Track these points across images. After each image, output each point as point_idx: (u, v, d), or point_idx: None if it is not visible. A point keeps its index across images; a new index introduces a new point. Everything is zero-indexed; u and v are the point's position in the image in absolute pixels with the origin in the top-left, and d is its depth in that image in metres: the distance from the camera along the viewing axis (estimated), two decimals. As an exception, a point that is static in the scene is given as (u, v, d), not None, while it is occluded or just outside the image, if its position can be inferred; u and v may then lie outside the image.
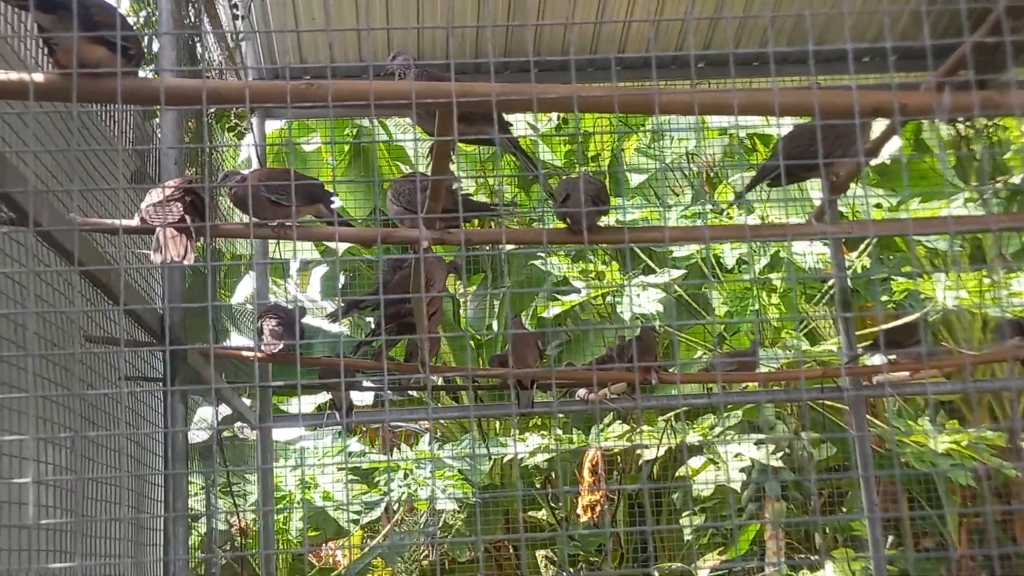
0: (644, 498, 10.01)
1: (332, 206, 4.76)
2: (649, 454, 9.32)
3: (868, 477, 6.83)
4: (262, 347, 5.45)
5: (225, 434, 7.91)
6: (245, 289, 10.68)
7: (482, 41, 7.08)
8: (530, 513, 10.91)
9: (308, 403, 10.08)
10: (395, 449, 10.69)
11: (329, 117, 6.41)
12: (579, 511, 9.57)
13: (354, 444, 10.58)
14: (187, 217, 4.19)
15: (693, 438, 9.13)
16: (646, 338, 6.11)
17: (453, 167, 4.11)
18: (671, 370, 6.46)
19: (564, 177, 4.48)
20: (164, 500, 4.95)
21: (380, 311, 5.97)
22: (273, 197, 4.41)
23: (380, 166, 10.35)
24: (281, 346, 5.38)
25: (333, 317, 7.24)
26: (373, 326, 6.92)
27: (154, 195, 4.30)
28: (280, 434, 9.43)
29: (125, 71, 2.90)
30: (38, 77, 2.97)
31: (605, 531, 10.08)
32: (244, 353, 6.11)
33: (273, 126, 10.18)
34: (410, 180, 4.97)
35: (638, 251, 10.19)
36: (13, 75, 3.00)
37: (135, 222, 4.21)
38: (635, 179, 10.32)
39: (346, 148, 10.56)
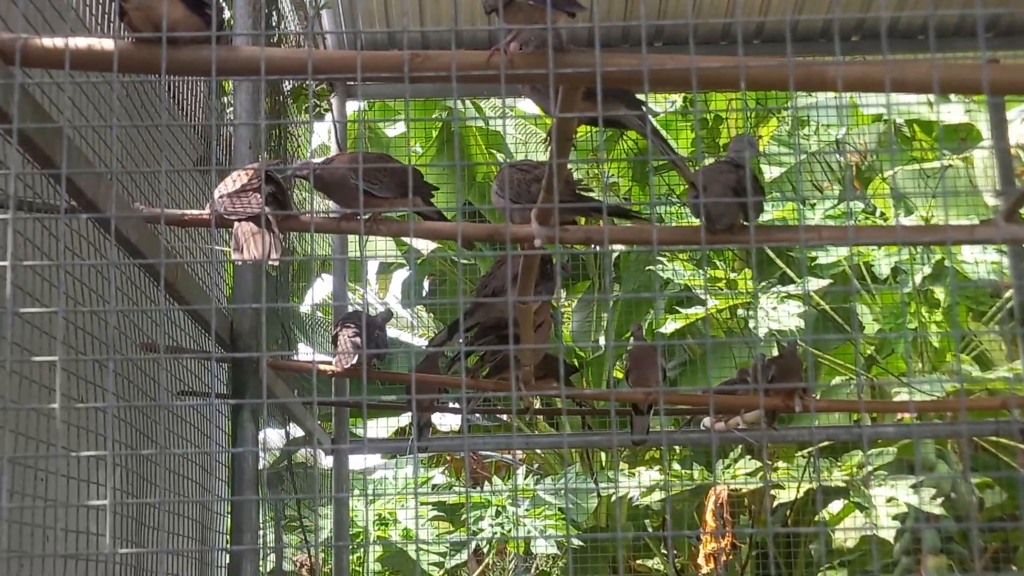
0: (772, 547, 9.88)
1: (431, 201, 4.76)
2: (786, 496, 9.20)
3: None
4: (334, 360, 5.46)
5: (295, 459, 8.00)
6: (316, 295, 10.82)
7: (608, 9, 7.09)
8: (640, 561, 10.84)
9: (385, 427, 10.12)
10: (486, 482, 10.72)
11: (453, 96, 6.40)
12: (700, 560, 9.48)
13: (439, 476, 10.62)
14: (268, 209, 4.23)
15: (836, 478, 8.99)
16: (789, 357, 6.02)
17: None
18: (815, 395, 6.37)
19: (699, 167, 4.41)
20: (231, 532, 5.03)
21: (472, 320, 5.92)
22: (365, 185, 4.39)
23: (474, 155, 10.40)
24: (355, 359, 5.38)
25: (444, 341, 7.14)
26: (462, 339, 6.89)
27: (228, 184, 4.35)
28: (354, 462, 9.50)
29: (216, 36, 2.90)
30: (108, 44, 2.91)
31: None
32: (320, 367, 6.14)
33: (350, 108, 10.32)
34: (519, 169, 4.97)
35: (775, 257, 10.08)
36: (83, 42, 2.90)
37: (206, 214, 4.28)
38: (770, 172, 10.21)
39: (433, 134, 10.64)
